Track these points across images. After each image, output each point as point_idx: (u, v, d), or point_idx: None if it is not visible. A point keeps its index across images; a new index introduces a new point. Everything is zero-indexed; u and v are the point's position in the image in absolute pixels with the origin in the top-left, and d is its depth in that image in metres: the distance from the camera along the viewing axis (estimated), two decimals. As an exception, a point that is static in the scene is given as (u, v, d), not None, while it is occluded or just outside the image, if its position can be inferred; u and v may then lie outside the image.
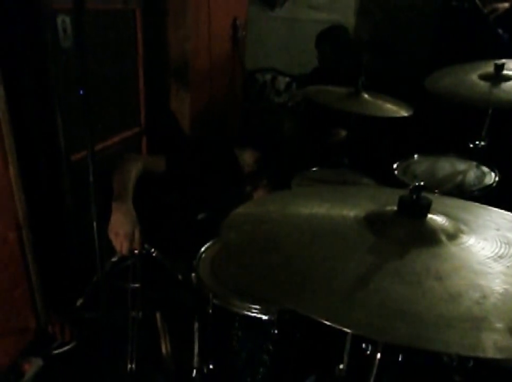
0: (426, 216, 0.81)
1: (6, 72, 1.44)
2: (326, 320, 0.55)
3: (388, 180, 1.86)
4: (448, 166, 1.95)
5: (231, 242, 0.72)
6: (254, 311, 1.22)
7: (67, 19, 1.58)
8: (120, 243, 1.46)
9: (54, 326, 1.83)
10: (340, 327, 0.54)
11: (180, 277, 1.72)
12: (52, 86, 1.63)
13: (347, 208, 0.84)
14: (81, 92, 1.64)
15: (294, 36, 3.47)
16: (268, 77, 3.33)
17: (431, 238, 0.77)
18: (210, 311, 1.26)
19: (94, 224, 1.24)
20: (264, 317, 1.22)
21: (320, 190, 1.16)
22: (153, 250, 1.61)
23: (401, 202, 0.81)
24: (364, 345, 1.32)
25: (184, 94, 2.39)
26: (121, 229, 1.46)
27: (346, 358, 1.27)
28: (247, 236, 0.74)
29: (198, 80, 2.44)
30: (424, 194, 0.81)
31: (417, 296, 0.62)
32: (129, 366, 1.58)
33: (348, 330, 0.55)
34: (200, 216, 1.86)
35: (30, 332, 1.79)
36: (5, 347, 1.66)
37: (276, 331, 1.23)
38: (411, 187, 0.79)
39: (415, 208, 0.80)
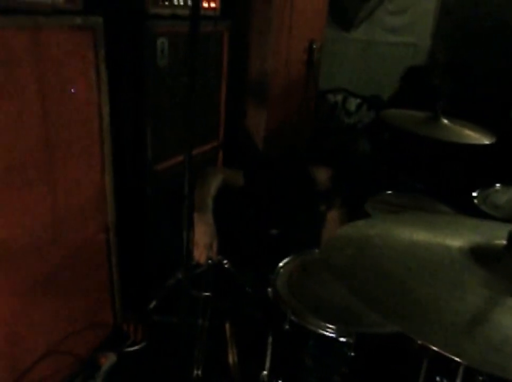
0: (538, 253, 0.79)
1: (110, 88, 1.58)
2: (444, 351, 0.56)
3: (465, 208, 1.80)
4: (532, 198, 1.86)
5: (338, 265, 0.75)
6: (331, 331, 1.23)
7: (166, 41, 1.71)
8: (200, 253, 1.53)
9: (129, 325, 1.93)
10: (460, 360, 0.55)
11: (249, 290, 1.76)
12: (146, 101, 1.76)
13: (449, 238, 0.84)
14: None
15: (368, 58, 3.47)
16: (339, 97, 3.34)
17: (545, 275, 0.75)
18: (287, 327, 1.28)
19: (184, 233, 1.31)
20: (342, 338, 1.22)
21: (415, 216, 1.16)
22: (225, 261, 1.67)
23: (512, 236, 0.79)
24: (438, 378, 1.29)
25: (260, 112, 2.47)
26: (201, 240, 1.53)
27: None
28: (351, 260, 0.77)
29: (274, 99, 2.51)
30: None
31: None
32: (195, 372, 1.63)
33: (468, 364, 0.56)
34: (273, 232, 1.90)
35: (107, 329, 1.90)
36: (86, 339, 1.77)
37: (352, 354, 1.22)
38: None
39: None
